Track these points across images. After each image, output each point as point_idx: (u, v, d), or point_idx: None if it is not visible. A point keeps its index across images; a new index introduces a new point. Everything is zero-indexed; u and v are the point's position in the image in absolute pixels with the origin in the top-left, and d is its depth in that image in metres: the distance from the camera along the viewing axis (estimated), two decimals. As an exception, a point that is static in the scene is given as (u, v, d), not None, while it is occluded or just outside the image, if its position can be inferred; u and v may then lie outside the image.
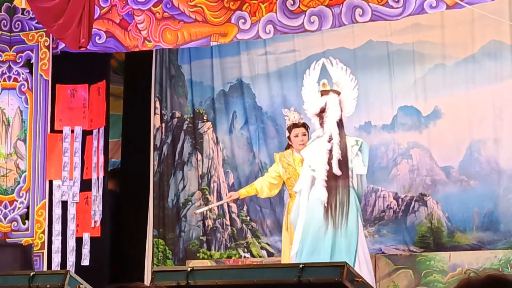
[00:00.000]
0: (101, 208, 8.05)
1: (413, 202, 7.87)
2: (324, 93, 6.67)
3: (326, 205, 6.44)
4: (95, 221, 8.04)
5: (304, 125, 7.21)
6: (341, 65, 6.74)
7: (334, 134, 6.53)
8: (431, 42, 7.85)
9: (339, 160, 6.47)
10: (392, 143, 7.87)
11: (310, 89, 6.73)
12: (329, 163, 6.47)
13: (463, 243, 7.64)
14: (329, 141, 6.51)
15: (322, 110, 6.61)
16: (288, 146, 7.36)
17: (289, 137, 7.31)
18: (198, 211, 7.80)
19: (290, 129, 7.24)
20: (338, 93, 6.65)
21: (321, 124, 6.62)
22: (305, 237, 6.47)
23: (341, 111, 6.60)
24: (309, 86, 6.75)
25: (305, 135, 7.17)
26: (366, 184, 6.80)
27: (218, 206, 8.46)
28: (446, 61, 7.81)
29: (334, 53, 8.03)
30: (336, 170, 6.45)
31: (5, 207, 8.09)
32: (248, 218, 8.59)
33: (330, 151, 6.49)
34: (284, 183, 7.35)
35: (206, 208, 7.72)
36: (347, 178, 6.50)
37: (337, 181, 6.46)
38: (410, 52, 7.94)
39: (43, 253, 7.94)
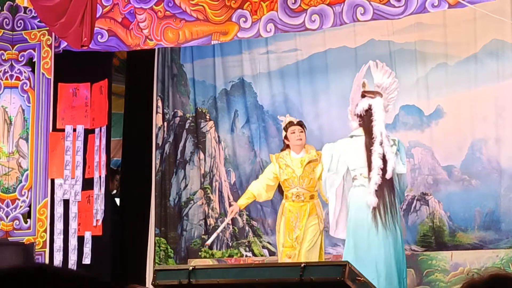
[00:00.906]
0: (103, 207, 8.04)
1: (414, 201, 7.85)
2: (367, 94, 6.61)
3: (375, 206, 6.36)
4: (97, 220, 8.02)
5: (300, 124, 7.22)
6: (387, 68, 6.70)
7: (380, 136, 6.47)
8: (433, 41, 7.86)
9: (384, 161, 6.41)
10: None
11: (356, 91, 6.64)
12: (374, 164, 6.39)
13: (465, 243, 7.63)
14: (378, 143, 6.44)
15: (365, 112, 6.53)
16: (285, 148, 7.30)
17: (285, 137, 7.26)
18: (209, 241, 7.58)
19: (286, 128, 7.22)
20: (381, 95, 6.61)
21: (361, 124, 6.55)
22: (354, 243, 6.41)
23: (385, 113, 6.59)
24: (355, 87, 6.66)
25: (302, 132, 7.16)
26: (406, 183, 6.83)
27: (219, 205, 8.50)
28: (448, 60, 7.81)
29: (335, 52, 8.27)
30: (387, 172, 6.39)
31: (7, 206, 8.07)
32: (249, 217, 8.60)
33: (377, 152, 6.42)
34: (279, 184, 7.28)
35: (215, 236, 7.50)
36: (391, 179, 6.43)
37: (384, 182, 6.38)
38: (412, 51, 7.94)
39: (45, 251, 7.94)
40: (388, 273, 6.25)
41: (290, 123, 7.20)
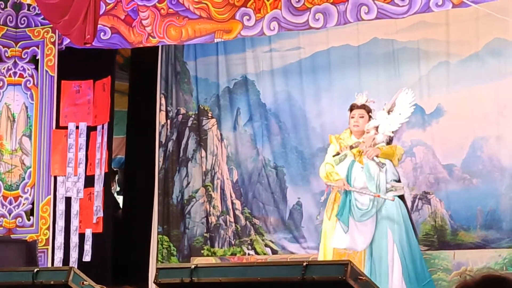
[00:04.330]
0: (102, 204, 8.04)
1: (417, 200, 7.83)
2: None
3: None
4: (98, 217, 8.00)
5: (365, 107, 6.92)
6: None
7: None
8: (436, 40, 7.84)
9: None
10: (395, 141, 7.52)
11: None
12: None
13: (467, 242, 7.61)
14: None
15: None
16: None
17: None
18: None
19: (351, 109, 6.98)
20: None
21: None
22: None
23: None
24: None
25: (362, 117, 6.88)
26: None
27: (221, 203, 8.50)
28: (450, 58, 7.79)
29: (338, 50, 8.21)
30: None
31: (10, 203, 8.09)
32: (251, 215, 8.58)
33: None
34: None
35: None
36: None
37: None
38: (415, 50, 7.92)
39: (47, 249, 7.94)
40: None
41: (353, 106, 6.94)
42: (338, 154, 6.76)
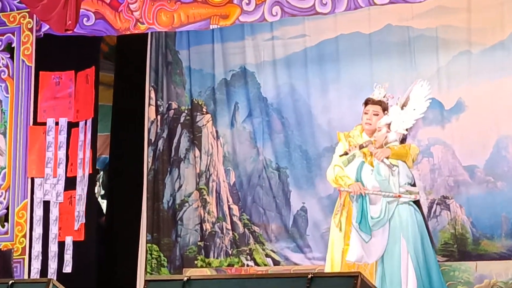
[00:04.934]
0: (84, 209, 7.89)
1: (434, 205, 7.73)
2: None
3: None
4: (79, 224, 7.87)
5: (381, 104, 6.64)
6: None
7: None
8: (456, 27, 7.77)
9: None
10: (409, 139, 7.20)
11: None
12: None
13: (491, 252, 7.52)
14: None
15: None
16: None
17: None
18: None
19: (365, 104, 6.70)
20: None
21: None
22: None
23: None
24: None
25: (376, 114, 6.59)
26: None
27: (217, 208, 8.40)
28: (472, 48, 7.70)
29: (347, 38, 8.13)
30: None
31: (-18, 209, 8.01)
32: (250, 221, 8.47)
33: None
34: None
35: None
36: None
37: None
38: (433, 38, 7.83)
39: (24, 259, 7.84)
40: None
41: (369, 101, 6.66)
42: (346, 154, 6.56)
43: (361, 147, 6.55)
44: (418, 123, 6.97)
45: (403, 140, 6.59)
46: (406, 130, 6.56)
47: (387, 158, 6.40)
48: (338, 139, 6.79)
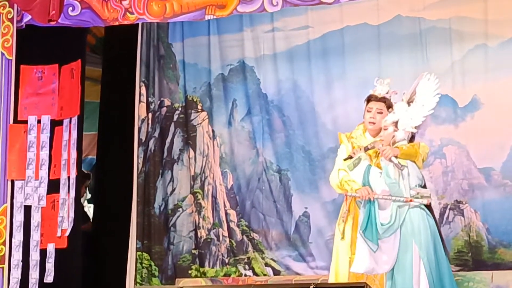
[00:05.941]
0: (72, 214, 7.68)
1: (447, 210, 7.69)
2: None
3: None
4: (62, 230, 7.70)
5: (385, 101, 6.46)
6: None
7: None
8: (472, 18, 7.74)
9: None
10: (422, 139, 7.14)
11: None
12: None
13: (508, 261, 7.49)
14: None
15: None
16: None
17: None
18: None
19: (368, 101, 6.53)
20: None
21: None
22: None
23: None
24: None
25: (380, 112, 6.39)
26: None
27: (213, 213, 8.36)
28: (488, 41, 7.66)
29: (354, 30, 8.09)
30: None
31: (-42, 213, 7.93)
32: (248, 228, 8.44)
33: None
34: None
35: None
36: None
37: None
38: (447, 30, 7.80)
39: (3, 268, 7.59)
40: None
41: (371, 97, 6.50)
42: (350, 157, 6.35)
43: (366, 149, 6.38)
44: (427, 121, 6.66)
45: (411, 139, 6.42)
46: (415, 128, 6.37)
47: (396, 157, 6.22)
48: (340, 141, 6.66)
